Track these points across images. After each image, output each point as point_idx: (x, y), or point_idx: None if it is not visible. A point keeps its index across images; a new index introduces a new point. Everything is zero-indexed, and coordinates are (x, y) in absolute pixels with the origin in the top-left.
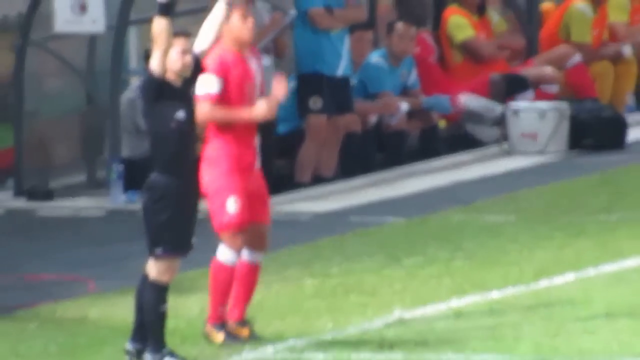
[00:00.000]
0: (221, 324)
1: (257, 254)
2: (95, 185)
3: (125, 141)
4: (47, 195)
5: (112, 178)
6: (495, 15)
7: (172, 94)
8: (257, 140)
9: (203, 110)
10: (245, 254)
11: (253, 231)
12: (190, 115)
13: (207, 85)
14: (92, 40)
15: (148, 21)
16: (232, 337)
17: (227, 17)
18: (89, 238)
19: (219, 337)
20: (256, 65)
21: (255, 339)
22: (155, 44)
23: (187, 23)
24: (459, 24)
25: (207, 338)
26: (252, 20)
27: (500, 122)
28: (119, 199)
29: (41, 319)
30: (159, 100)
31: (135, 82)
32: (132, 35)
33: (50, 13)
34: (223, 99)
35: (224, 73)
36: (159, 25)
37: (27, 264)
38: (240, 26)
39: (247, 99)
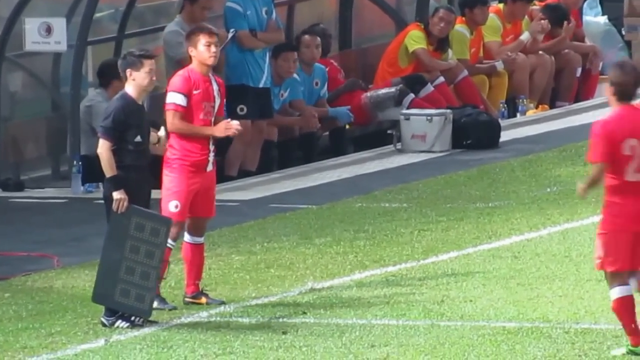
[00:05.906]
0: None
1: (196, 237)
2: (59, 178)
3: (84, 140)
4: (19, 186)
5: (73, 172)
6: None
7: (134, 114)
8: (211, 147)
9: (171, 121)
10: (187, 237)
11: (196, 222)
12: (146, 134)
13: (175, 99)
14: (56, 57)
15: (102, 42)
16: (211, 300)
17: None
18: (53, 221)
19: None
20: (217, 87)
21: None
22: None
23: (135, 43)
24: (417, 37)
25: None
26: (216, 48)
27: (400, 100)
28: (78, 189)
29: (14, 289)
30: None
31: (91, 92)
32: (89, 54)
33: (21, 35)
34: (187, 112)
35: (188, 90)
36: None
37: (1, 243)
38: (205, 52)
39: (205, 115)
